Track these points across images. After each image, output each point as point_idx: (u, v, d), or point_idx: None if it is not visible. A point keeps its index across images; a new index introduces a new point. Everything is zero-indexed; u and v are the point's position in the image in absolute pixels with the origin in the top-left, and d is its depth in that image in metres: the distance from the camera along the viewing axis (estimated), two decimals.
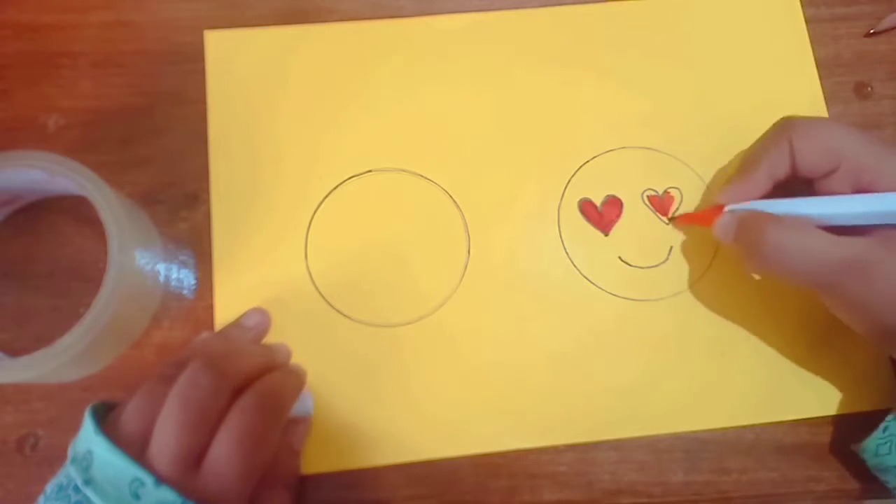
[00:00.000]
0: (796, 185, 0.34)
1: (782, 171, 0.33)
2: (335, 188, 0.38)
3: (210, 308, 0.36)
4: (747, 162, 0.35)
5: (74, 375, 0.35)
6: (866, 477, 0.36)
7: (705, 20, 0.42)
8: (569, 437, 0.36)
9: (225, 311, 0.36)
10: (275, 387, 0.31)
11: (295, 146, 0.39)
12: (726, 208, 0.34)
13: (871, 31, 0.43)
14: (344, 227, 0.38)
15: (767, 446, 0.37)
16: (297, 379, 0.34)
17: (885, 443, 0.32)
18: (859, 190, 0.32)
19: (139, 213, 0.36)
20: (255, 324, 0.35)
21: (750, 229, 0.33)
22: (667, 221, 0.39)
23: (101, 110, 0.39)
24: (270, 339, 0.36)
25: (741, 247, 0.33)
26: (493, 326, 0.37)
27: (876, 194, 0.31)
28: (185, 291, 0.37)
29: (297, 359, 0.36)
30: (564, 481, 0.36)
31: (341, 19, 0.41)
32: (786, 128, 0.34)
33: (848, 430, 0.37)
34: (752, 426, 0.37)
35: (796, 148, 0.33)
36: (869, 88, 0.42)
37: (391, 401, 0.36)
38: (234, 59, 0.40)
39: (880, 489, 0.36)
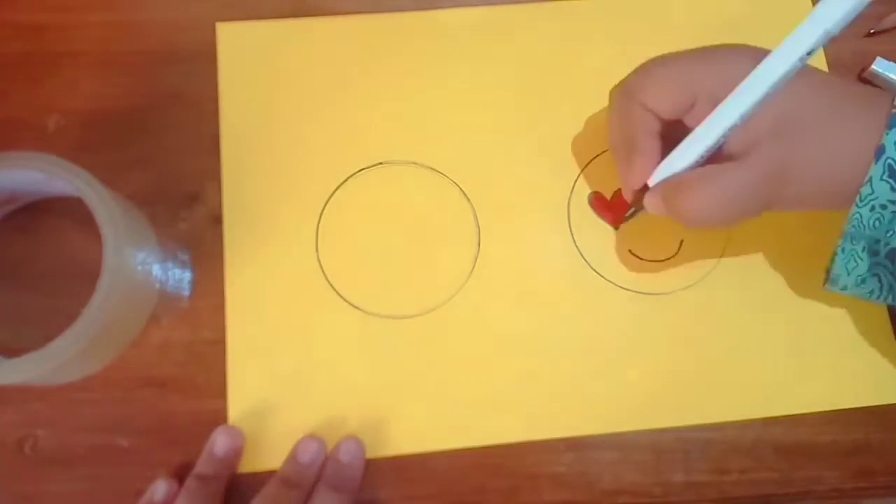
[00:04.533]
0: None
1: (657, 128, 0.33)
2: (346, 180, 0.39)
3: (210, 308, 0.36)
4: (626, 147, 0.33)
5: (73, 376, 0.35)
6: (866, 477, 0.36)
7: (714, 16, 0.42)
8: (577, 430, 0.36)
9: (236, 302, 0.36)
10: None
11: (306, 138, 0.39)
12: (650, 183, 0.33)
13: (871, 31, 0.43)
14: (354, 219, 0.38)
15: (767, 446, 0.37)
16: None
17: (850, 259, 0.33)
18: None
19: (136, 214, 0.36)
20: (312, 459, 0.34)
21: (670, 203, 0.32)
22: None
23: (101, 110, 0.39)
24: (283, 332, 0.36)
25: (674, 218, 0.32)
26: (502, 319, 0.37)
27: (735, 95, 0.30)
28: (184, 291, 0.37)
29: (307, 350, 0.36)
30: (564, 481, 0.36)
31: None
32: (628, 95, 0.33)
33: (849, 429, 0.37)
34: (753, 424, 0.37)
35: (651, 107, 0.32)
36: None
37: (400, 392, 0.36)
38: (245, 51, 0.40)
39: (880, 489, 0.36)
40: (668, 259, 0.39)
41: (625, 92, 0.33)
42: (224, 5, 0.41)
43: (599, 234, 0.39)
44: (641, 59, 0.40)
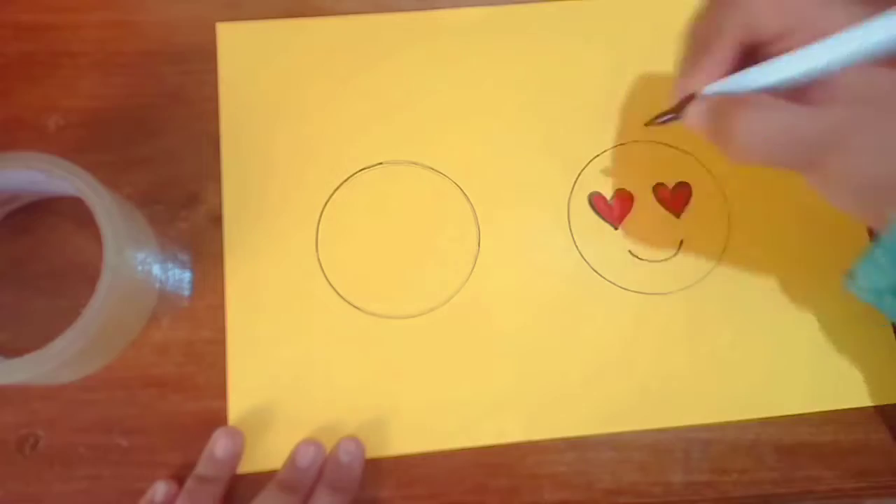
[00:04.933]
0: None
1: (742, 41, 0.30)
2: (346, 180, 0.39)
3: (210, 308, 0.36)
4: (701, 44, 0.30)
5: (73, 376, 0.35)
6: (866, 477, 0.36)
7: None
8: (577, 430, 0.36)
9: (236, 302, 0.36)
10: None
11: (306, 138, 0.39)
12: (701, 94, 0.30)
13: None
14: (355, 220, 0.38)
15: (767, 446, 0.37)
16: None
17: (874, 270, 0.30)
18: None
19: (136, 214, 0.36)
20: (310, 463, 0.34)
21: (720, 118, 0.29)
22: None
23: (101, 110, 0.39)
24: (282, 332, 0.36)
25: (715, 137, 0.30)
26: (502, 319, 0.37)
27: (836, 36, 0.27)
28: (184, 291, 0.37)
29: (307, 350, 0.36)
30: (564, 481, 0.36)
31: None
32: None
33: (849, 429, 0.37)
34: (753, 424, 0.37)
35: (752, 16, 0.29)
36: None
37: (400, 392, 0.36)
38: (245, 51, 0.40)
39: (880, 489, 0.36)
40: (668, 259, 0.39)
41: None
42: (224, 5, 0.41)
43: (599, 234, 0.39)
44: (642, 60, 0.41)
